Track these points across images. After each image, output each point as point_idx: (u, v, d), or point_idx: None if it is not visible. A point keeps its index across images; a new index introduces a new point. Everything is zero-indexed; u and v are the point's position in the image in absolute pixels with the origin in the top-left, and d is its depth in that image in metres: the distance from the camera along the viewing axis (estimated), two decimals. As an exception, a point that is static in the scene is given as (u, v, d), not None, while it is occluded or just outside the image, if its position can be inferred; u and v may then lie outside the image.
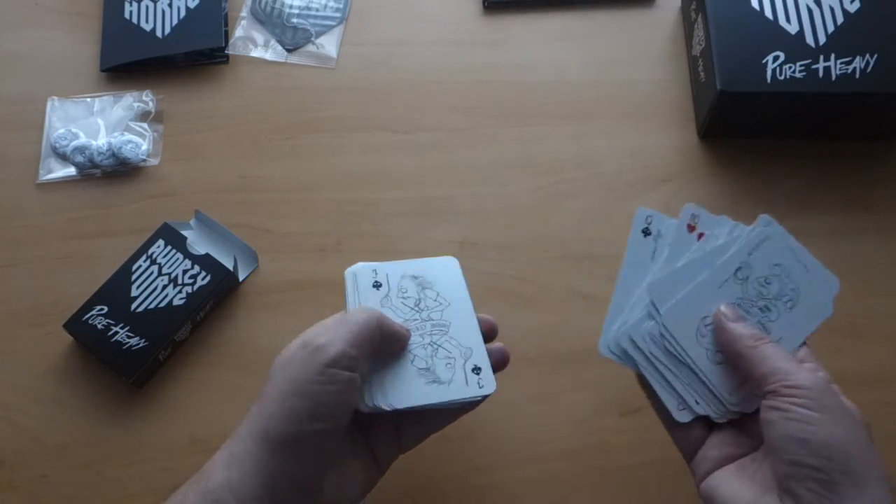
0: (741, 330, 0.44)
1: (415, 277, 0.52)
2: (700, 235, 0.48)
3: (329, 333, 0.44)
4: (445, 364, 0.49)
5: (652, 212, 0.49)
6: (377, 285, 0.51)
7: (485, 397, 0.49)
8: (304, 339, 0.44)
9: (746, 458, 0.44)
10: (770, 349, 0.43)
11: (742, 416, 0.45)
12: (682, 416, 0.46)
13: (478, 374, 0.49)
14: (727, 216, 0.49)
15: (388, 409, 0.46)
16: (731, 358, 0.45)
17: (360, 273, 0.51)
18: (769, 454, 0.41)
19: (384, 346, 0.47)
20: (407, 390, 0.47)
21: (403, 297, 0.51)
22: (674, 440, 0.47)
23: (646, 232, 0.49)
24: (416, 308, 0.51)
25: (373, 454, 0.47)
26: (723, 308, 0.46)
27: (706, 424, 0.46)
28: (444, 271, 0.53)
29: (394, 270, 0.52)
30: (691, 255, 0.48)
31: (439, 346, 0.49)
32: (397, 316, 0.50)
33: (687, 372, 0.46)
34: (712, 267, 0.47)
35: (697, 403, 0.45)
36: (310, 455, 0.42)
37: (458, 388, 0.48)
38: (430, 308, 0.51)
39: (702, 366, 0.45)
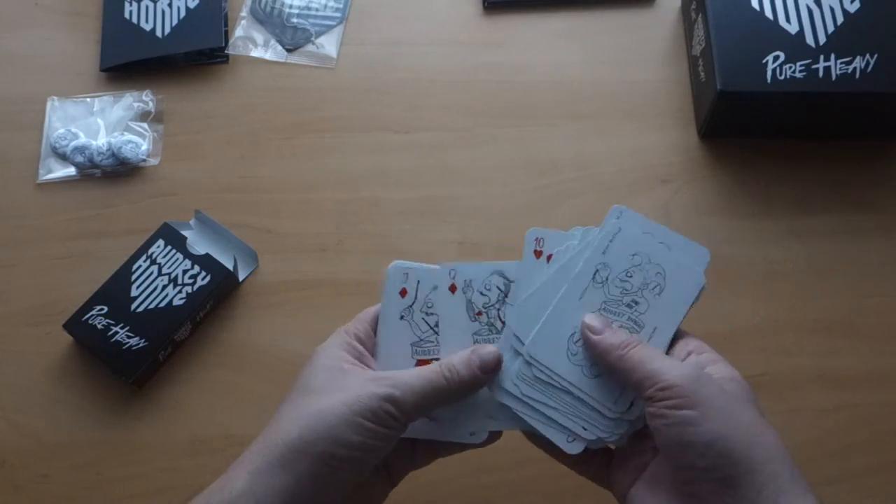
0: (608, 340, 0.42)
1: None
2: (549, 258, 0.46)
3: (405, 378, 0.41)
4: None
5: (544, 231, 0.46)
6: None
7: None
8: (375, 373, 0.43)
9: (653, 462, 0.42)
10: (638, 353, 0.41)
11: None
12: (574, 448, 0.44)
13: None
14: (585, 228, 0.47)
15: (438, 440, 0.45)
16: (606, 371, 0.43)
17: (392, 276, 0.46)
18: (666, 461, 0.41)
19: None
20: (459, 422, 0.45)
21: (427, 314, 0.46)
22: (583, 475, 0.46)
23: (538, 254, 0.46)
24: (436, 329, 0.46)
25: (387, 469, 0.46)
26: (586, 320, 0.44)
27: (605, 450, 0.45)
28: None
29: (426, 278, 0.46)
30: (543, 278, 0.45)
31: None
32: (413, 334, 0.46)
33: (567, 399, 0.44)
34: (566, 282, 0.45)
35: (585, 430, 0.43)
36: (340, 480, 0.41)
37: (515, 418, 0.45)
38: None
39: (579, 384, 0.44)
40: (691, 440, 0.38)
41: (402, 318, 0.46)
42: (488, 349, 0.44)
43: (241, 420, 0.59)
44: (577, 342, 0.44)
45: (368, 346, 0.46)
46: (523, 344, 0.44)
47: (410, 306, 0.46)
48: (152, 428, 0.59)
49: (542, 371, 0.44)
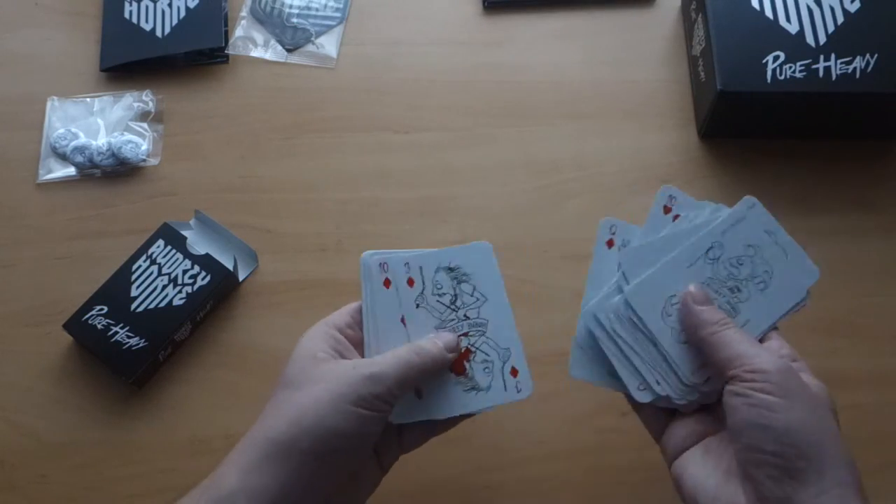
0: (706, 315, 0.44)
1: (450, 270, 0.47)
2: (675, 217, 0.47)
3: (381, 361, 0.43)
4: (483, 368, 0.46)
5: (615, 221, 0.48)
6: (410, 282, 0.47)
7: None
8: (352, 361, 0.43)
9: (714, 437, 0.43)
10: (732, 333, 0.42)
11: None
12: (643, 396, 0.45)
13: (515, 376, 0.47)
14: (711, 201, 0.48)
15: (428, 419, 0.45)
16: (695, 342, 0.44)
17: (391, 264, 0.46)
18: (731, 439, 0.41)
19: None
20: (445, 400, 0.45)
21: (439, 295, 0.47)
22: (640, 419, 0.47)
23: (610, 244, 0.48)
24: (453, 306, 0.47)
25: (377, 456, 0.47)
26: (691, 288, 0.45)
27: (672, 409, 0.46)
28: (480, 261, 0.48)
29: (428, 262, 0.47)
30: (665, 233, 0.47)
31: (477, 348, 0.47)
32: (433, 317, 0.47)
33: (650, 350, 0.45)
34: (682, 245, 0.46)
35: (658, 384, 0.44)
36: (331, 470, 0.41)
37: (496, 394, 0.46)
38: (467, 305, 0.47)
39: (665, 344, 0.45)
40: (768, 423, 0.38)
41: (417, 306, 0.47)
42: (448, 335, 0.46)
43: (241, 420, 0.59)
44: (674, 304, 0.45)
45: (349, 336, 0.46)
46: (628, 284, 0.45)
47: (422, 293, 0.47)
48: (152, 428, 0.59)
49: (634, 319, 0.45)
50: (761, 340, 0.46)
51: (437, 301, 0.47)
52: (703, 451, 0.43)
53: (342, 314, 0.47)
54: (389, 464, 0.47)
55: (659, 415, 0.46)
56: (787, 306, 0.46)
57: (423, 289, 0.47)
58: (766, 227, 0.47)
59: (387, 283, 0.46)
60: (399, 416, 0.45)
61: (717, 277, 0.46)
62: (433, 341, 0.45)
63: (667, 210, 0.48)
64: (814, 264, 0.48)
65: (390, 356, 0.43)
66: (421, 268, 0.47)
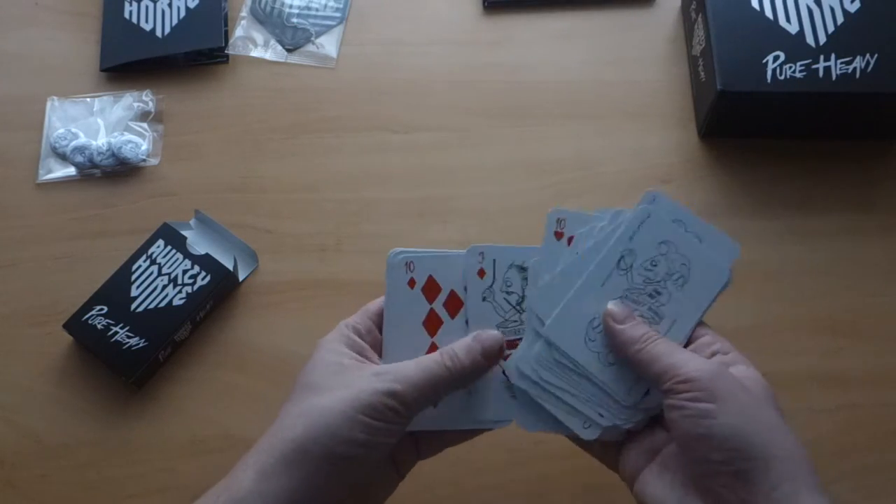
0: (629, 333, 0.42)
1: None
2: (570, 240, 0.45)
3: (405, 371, 0.41)
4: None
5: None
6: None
7: None
8: (376, 367, 0.42)
9: (668, 450, 0.42)
10: (656, 347, 0.41)
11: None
12: (590, 434, 0.43)
13: None
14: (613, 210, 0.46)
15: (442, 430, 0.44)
16: (624, 362, 0.43)
17: (418, 263, 0.44)
18: (680, 453, 0.41)
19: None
20: (462, 411, 0.44)
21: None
22: (591, 454, 0.46)
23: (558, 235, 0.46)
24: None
25: (395, 462, 0.46)
26: (610, 307, 0.44)
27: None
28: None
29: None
30: (566, 261, 0.45)
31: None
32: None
33: (583, 385, 0.44)
34: (590, 266, 0.44)
35: (602, 416, 0.43)
36: (346, 477, 0.40)
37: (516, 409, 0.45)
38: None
39: (594, 370, 0.43)
40: (708, 432, 0.38)
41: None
42: (490, 334, 0.43)
43: (241, 420, 0.59)
44: (595, 328, 0.44)
45: (369, 340, 0.45)
46: (543, 325, 0.44)
47: (490, 287, 0.45)
48: (152, 428, 0.59)
49: (560, 355, 0.44)
50: (692, 339, 0.44)
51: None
52: (660, 468, 0.42)
53: (361, 317, 0.46)
54: (406, 470, 0.46)
55: (607, 444, 0.45)
56: (711, 294, 0.45)
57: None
58: (674, 216, 0.45)
59: (411, 283, 0.45)
60: (414, 424, 0.43)
61: (634, 287, 0.44)
62: (471, 350, 0.42)
63: (559, 235, 0.46)
64: (732, 240, 0.45)
65: (414, 367, 0.41)
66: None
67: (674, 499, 0.40)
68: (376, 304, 0.46)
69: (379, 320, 0.46)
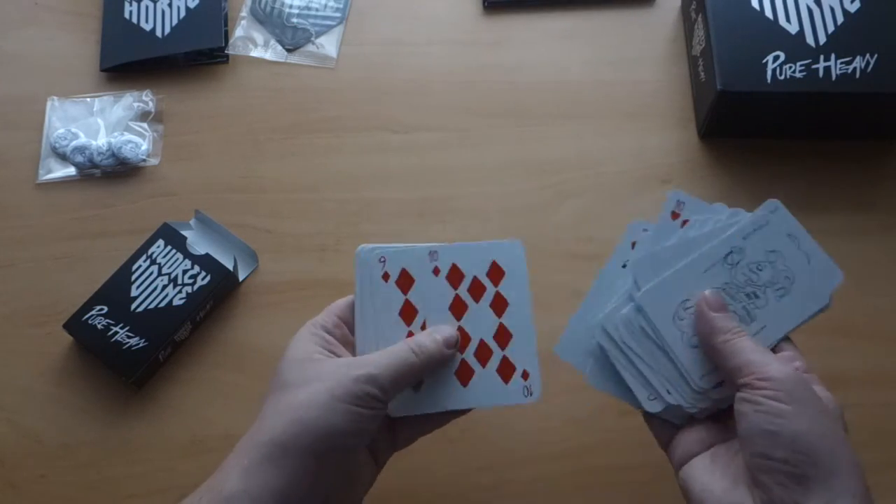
0: (720, 322, 0.43)
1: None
2: (684, 222, 0.47)
3: (377, 359, 0.43)
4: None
5: (648, 224, 0.48)
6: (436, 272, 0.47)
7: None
8: (347, 359, 0.43)
9: (722, 446, 0.43)
10: (743, 342, 0.42)
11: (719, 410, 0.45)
12: (653, 407, 0.45)
13: (526, 379, 0.47)
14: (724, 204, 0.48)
15: (424, 413, 0.45)
16: (707, 349, 0.44)
17: (391, 258, 0.47)
18: (741, 446, 0.41)
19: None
20: (444, 394, 0.46)
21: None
22: (649, 428, 0.47)
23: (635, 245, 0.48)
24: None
25: (372, 453, 0.47)
26: (706, 293, 0.45)
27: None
28: (509, 260, 0.48)
29: (461, 257, 0.47)
30: (676, 239, 0.46)
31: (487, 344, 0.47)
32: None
33: (660, 359, 0.45)
34: (699, 250, 0.46)
35: (669, 393, 0.44)
36: (330, 468, 0.41)
37: (501, 393, 0.46)
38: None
39: (675, 348, 0.44)
40: (778, 430, 0.38)
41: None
42: (445, 328, 0.46)
43: (241, 420, 0.59)
44: (686, 309, 0.45)
45: (337, 336, 0.46)
46: (639, 290, 0.45)
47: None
48: (152, 428, 0.59)
49: (645, 323, 0.45)
50: (775, 349, 0.45)
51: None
52: (711, 459, 0.43)
53: (328, 314, 0.47)
54: (384, 460, 0.48)
55: (668, 423, 0.46)
56: (807, 313, 0.46)
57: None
58: (789, 231, 0.47)
59: (385, 276, 0.47)
60: (396, 410, 0.45)
61: (734, 283, 0.46)
62: (433, 337, 0.45)
63: (675, 216, 0.47)
64: (837, 267, 0.47)
65: (386, 354, 0.44)
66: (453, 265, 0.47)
67: (720, 487, 0.41)
68: (342, 302, 0.48)
69: (346, 317, 0.47)
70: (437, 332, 0.46)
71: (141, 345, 0.59)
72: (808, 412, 0.39)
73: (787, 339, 0.46)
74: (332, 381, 0.41)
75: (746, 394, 0.40)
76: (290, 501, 0.40)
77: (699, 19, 0.68)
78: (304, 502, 0.41)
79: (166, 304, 0.61)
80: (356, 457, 0.44)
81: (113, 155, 0.69)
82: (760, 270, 0.46)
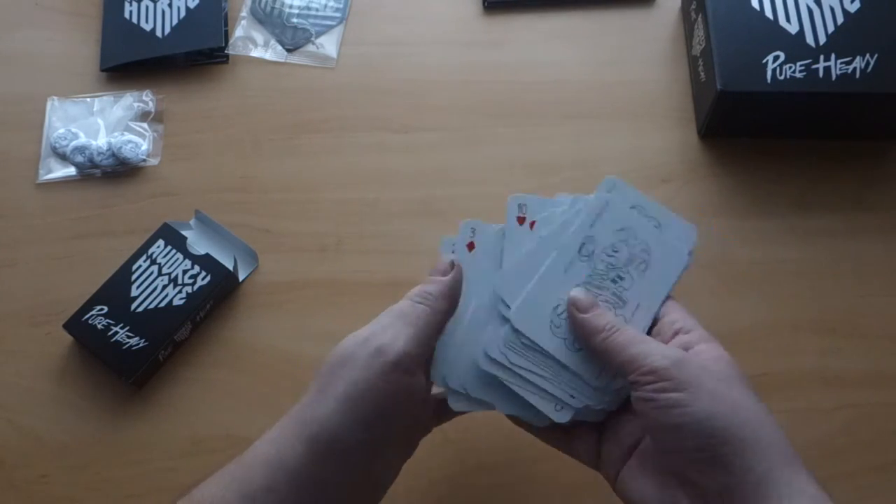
0: (592, 323, 0.42)
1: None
2: (532, 224, 0.46)
3: (390, 331, 0.41)
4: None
5: (475, 222, 0.47)
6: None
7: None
8: (363, 336, 0.41)
9: (644, 446, 0.42)
10: (620, 337, 0.41)
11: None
12: (562, 417, 0.43)
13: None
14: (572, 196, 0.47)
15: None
16: (589, 351, 0.43)
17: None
18: (653, 445, 0.40)
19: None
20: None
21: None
22: (573, 456, 0.46)
23: (471, 246, 0.47)
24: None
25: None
26: (573, 294, 0.44)
27: (594, 428, 0.45)
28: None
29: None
30: (529, 246, 0.46)
31: None
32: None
33: (552, 366, 0.44)
34: (554, 251, 0.45)
35: (573, 398, 0.43)
36: (366, 462, 0.40)
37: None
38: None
39: (561, 356, 0.43)
40: (679, 422, 0.38)
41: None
42: (440, 263, 0.46)
43: (241, 420, 0.59)
44: (560, 315, 0.44)
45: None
46: (510, 309, 0.44)
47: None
48: (152, 428, 0.59)
49: (527, 340, 0.44)
50: (657, 320, 0.44)
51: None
52: (639, 463, 0.42)
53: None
54: (416, 444, 0.46)
55: (584, 440, 0.45)
56: (673, 277, 0.45)
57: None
58: (632, 203, 0.46)
59: (520, 220, 0.47)
60: (457, 406, 0.45)
61: (596, 272, 0.45)
62: (429, 279, 0.45)
63: (521, 220, 0.46)
64: (687, 222, 0.46)
65: (395, 322, 0.42)
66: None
67: (653, 492, 0.40)
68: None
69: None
70: (432, 271, 0.45)
71: (141, 345, 0.59)
72: (702, 392, 0.38)
73: (668, 298, 0.45)
74: (355, 369, 0.40)
75: (639, 392, 0.39)
76: (322, 499, 0.39)
77: (699, 19, 0.69)
78: (339, 499, 0.40)
79: (166, 304, 0.61)
80: (393, 446, 0.42)
81: (113, 155, 0.69)
82: (617, 252, 0.45)
